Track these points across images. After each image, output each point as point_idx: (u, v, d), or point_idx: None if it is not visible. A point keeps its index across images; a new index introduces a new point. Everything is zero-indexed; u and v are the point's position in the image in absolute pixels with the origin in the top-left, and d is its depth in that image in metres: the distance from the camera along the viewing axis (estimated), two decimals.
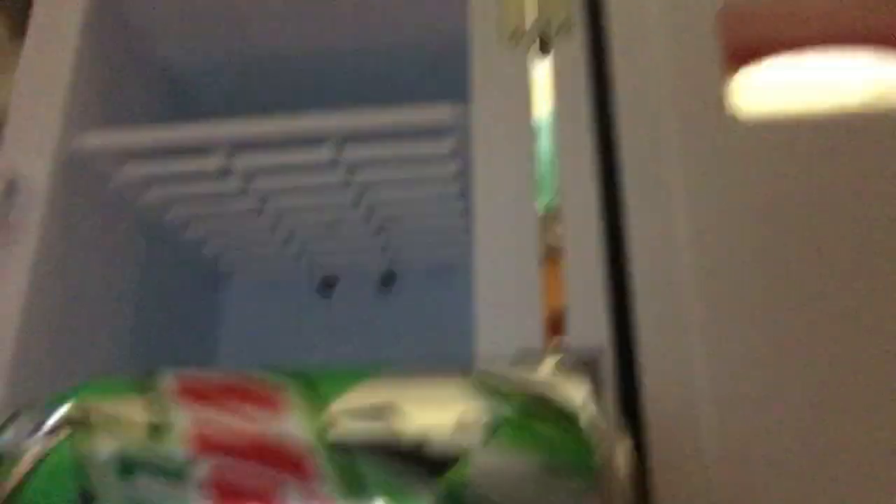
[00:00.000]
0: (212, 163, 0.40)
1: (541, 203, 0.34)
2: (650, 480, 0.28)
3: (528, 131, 0.35)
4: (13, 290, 0.36)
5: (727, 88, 0.35)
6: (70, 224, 0.40)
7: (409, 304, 0.55)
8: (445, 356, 0.51)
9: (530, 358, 0.30)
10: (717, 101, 0.35)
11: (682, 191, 0.33)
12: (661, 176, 0.33)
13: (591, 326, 0.31)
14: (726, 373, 0.30)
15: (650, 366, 0.30)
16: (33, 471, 0.21)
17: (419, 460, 0.21)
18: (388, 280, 0.55)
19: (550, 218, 0.33)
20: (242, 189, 0.42)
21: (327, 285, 0.56)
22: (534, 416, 0.22)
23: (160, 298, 0.49)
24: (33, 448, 0.22)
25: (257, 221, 0.47)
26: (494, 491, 0.21)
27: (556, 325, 0.32)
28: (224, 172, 0.41)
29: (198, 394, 0.23)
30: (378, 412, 0.23)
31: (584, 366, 0.26)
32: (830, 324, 0.30)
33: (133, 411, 0.23)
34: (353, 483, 0.21)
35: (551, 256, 0.34)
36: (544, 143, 0.35)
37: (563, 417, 0.22)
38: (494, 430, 0.22)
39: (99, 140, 0.39)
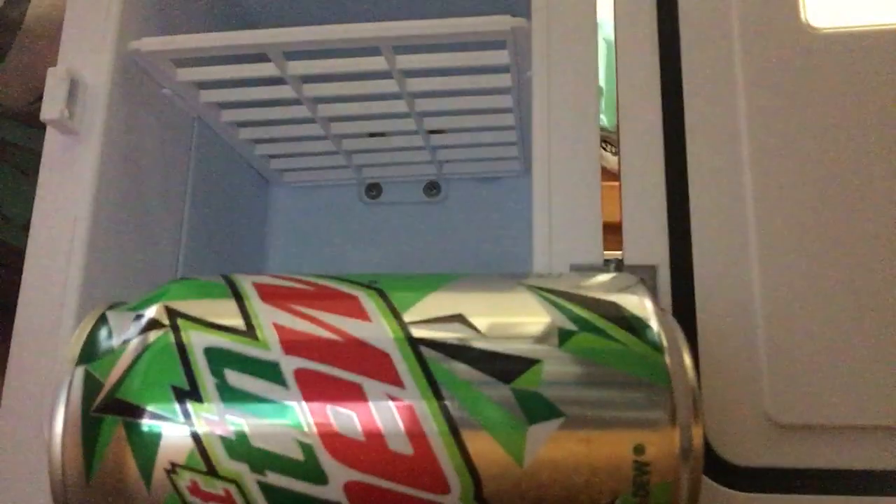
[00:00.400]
0: (265, 69, 0.41)
1: (602, 118, 0.34)
2: (703, 392, 0.29)
3: (590, 42, 0.35)
4: (81, 190, 0.37)
5: None
6: (130, 126, 0.40)
7: (455, 214, 0.55)
8: (492, 264, 0.53)
9: (590, 271, 0.31)
10: (790, 8, 0.34)
11: (747, 104, 0.33)
12: (726, 88, 0.33)
13: (647, 243, 0.32)
14: (780, 289, 0.31)
15: (705, 282, 0.31)
16: (131, 366, 0.23)
17: (490, 367, 0.23)
18: (433, 189, 0.56)
19: (610, 133, 0.33)
20: (295, 95, 0.43)
21: (373, 192, 0.57)
22: (603, 325, 0.23)
23: (213, 199, 0.50)
24: (130, 344, 0.23)
25: (308, 127, 0.48)
26: (564, 398, 0.22)
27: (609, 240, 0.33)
28: (277, 78, 0.41)
29: (281, 297, 0.25)
30: (450, 321, 0.24)
31: (642, 281, 0.26)
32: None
33: (222, 311, 0.24)
34: (430, 385, 0.22)
35: (606, 172, 0.35)
36: (606, 55, 0.35)
37: (632, 328, 0.23)
38: (565, 338, 0.23)
39: (156, 44, 0.40)
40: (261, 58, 0.40)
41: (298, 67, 0.41)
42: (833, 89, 0.33)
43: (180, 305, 0.24)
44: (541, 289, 0.25)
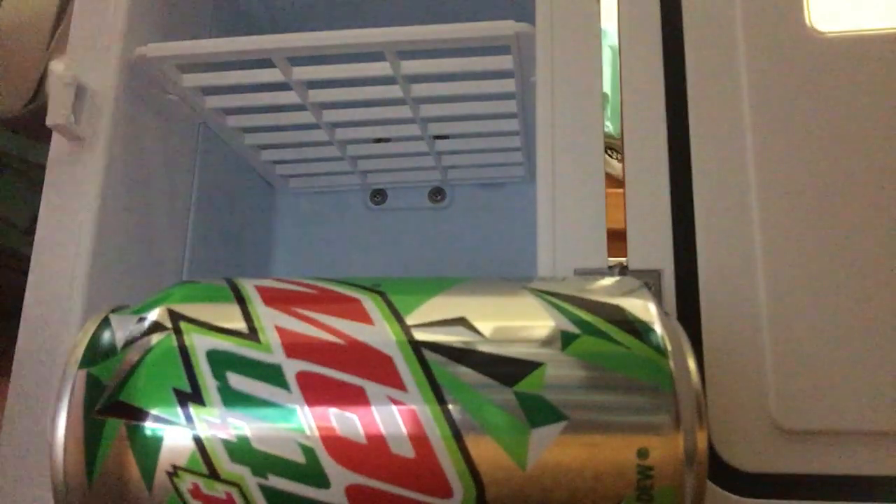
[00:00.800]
0: (271, 74, 0.41)
1: (607, 124, 0.34)
2: (708, 397, 0.29)
3: (594, 47, 0.35)
4: (87, 194, 0.37)
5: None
6: (135, 131, 0.41)
7: (459, 220, 0.55)
8: (496, 269, 0.52)
9: (594, 276, 0.31)
10: (795, 12, 0.34)
11: (752, 109, 0.33)
12: (731, 93, 0.33)
13: (652, 247, 0.32)
14: (786, 293, 0.31)
15: (710, 286, 0.31)
16: (134, 369, 0.23)
17: (493, 370, 0.23)
18: (438, 194, 0.56)
19: (615, 140, 0.33)
20: (300, 100, 0.43)
21: (378, 197, 0.57)
22: (607, 328, 0.23)
23: (218, 204, 0.50)
24: (133, 347, 0.23)
25: (313, 133, 0.48)
26: (568, 402, 0.22)
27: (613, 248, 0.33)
28: (282, 84, 0.41)
29: (284, 300, 0.24)
30: (452, 324, 0.24)
31: (646, 284, 0.26)
32: None
33: (224, 314, 0.24)
34: (433, 389, 0.22)
35: (611, 178, 0.35)
36: (611, 62, 0.35)
37: (635, 331, 0.23)
38: (568, 341, 0.23)
39: (161, 50, 0.40)
40: (266, 63, 0.40)
41: (303, 73, 0.41)
42: (838, 93, 0.32)
43: (183, 308, 0.24)
44: (544, 292, 0.25)
